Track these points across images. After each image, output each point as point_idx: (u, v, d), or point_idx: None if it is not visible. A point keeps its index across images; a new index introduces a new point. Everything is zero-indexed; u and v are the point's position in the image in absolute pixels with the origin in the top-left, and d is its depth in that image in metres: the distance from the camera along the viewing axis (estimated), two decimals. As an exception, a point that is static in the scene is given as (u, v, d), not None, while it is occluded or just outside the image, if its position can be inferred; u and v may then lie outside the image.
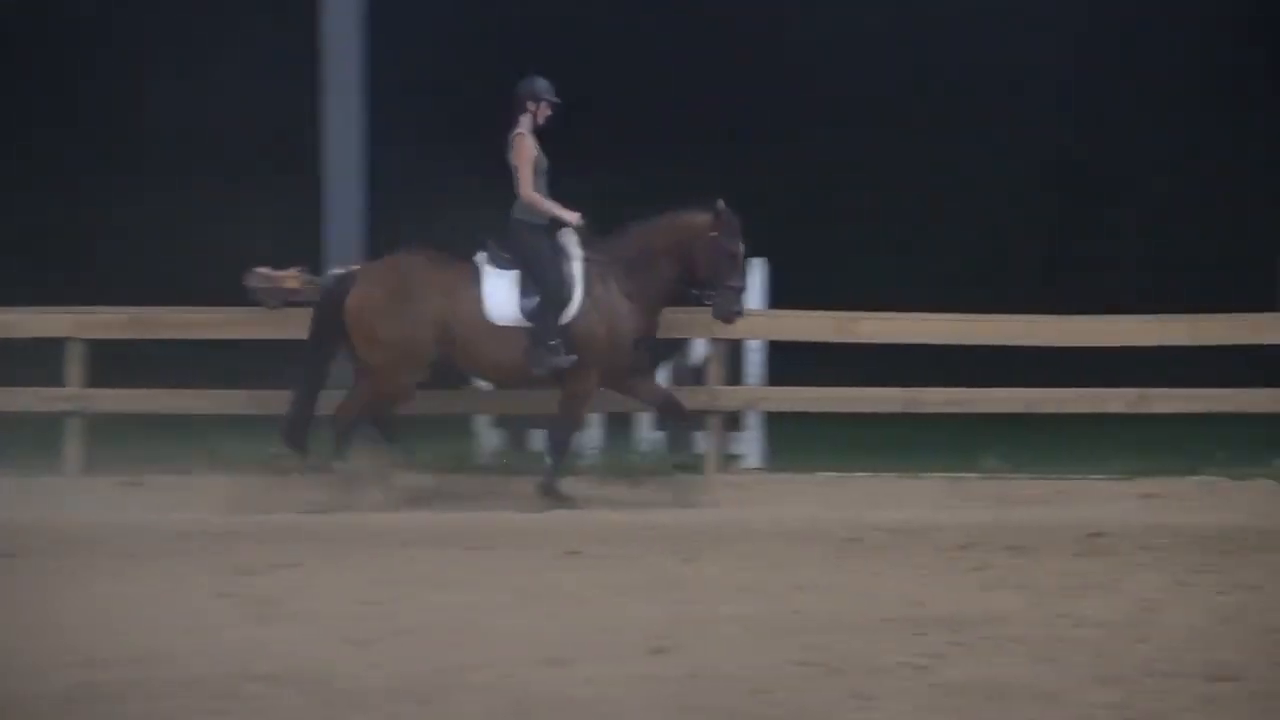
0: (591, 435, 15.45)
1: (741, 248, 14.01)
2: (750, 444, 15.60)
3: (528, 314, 13.70)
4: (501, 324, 13.74)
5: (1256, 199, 24.40)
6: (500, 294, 13.76)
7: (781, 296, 15.69)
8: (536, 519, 13.19)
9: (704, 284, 14.00)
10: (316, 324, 14.00)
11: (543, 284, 13.69)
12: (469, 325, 13.77)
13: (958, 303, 15.77)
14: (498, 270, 13.84)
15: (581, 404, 14.13)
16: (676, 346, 15.62)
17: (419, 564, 11.19)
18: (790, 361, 15.39)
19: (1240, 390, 15.15)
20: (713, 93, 25.83)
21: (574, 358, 13.66)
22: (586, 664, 8.40)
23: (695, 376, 15.47)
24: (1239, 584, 10.38)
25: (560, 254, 13.87)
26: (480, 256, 13.98)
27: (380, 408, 14.00)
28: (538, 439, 15.34)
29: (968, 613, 9.54)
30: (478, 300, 13.77)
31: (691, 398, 15.17)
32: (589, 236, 13.96)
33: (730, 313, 14.03)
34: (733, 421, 15.33)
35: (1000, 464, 14.97)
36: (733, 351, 15.38)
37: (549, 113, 13.94)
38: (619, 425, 15.58)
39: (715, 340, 15.14)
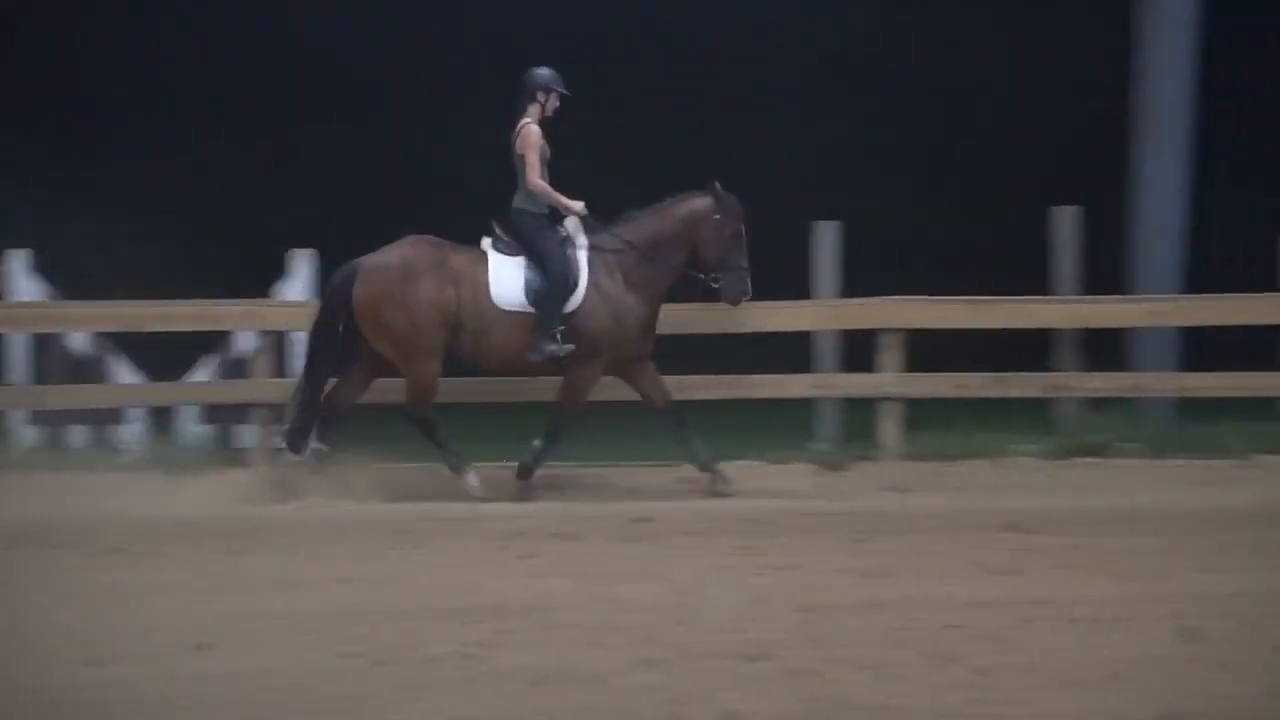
0: (134, 429, 15.26)
1: (743, 227, 14.01)
2: (298, 437, 15.53)
3: (533, 301, 13.66)
4: (508, 310, 13.69)
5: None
6: (507, 280, 13.71)
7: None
8: (74, 517, 12.69)
9: (711, 267, 14.00)
10: (323, 315, 13.87)
11: (549, 272, 13.66)
12: (477, 311, 13.69)
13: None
14: (504, 257, 13.80)
15: (582, 393, 14.00)
16: (220, 340, 15.53)
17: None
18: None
19: (775, 376, 15.57)
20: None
21: (571, 347, 13.59)
22: (125, 664, 8.28)
23: (238, 369, 15.37)
24: (775, 565, 10.57)
25: (567, 242, 13.84)
26: (486, 243, 13.92)
27: (416, 407, 13.84)
28: (76, 435, 15.11)
29: (516, 600, 9.59)
30: (485, 286, 13.70)
31: (236, 392, 15.05)
32: (593, 225, 13.92)
33: (739, 294, 14.04)
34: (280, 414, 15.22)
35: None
36: (278, 344, 15.29)
37: (557, 103, 13.96)
38: (163, 418, 15.40)
39: (261, 333, 15.10)
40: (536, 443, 13.97)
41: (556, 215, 13.88)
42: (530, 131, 13.79)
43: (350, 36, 26.35)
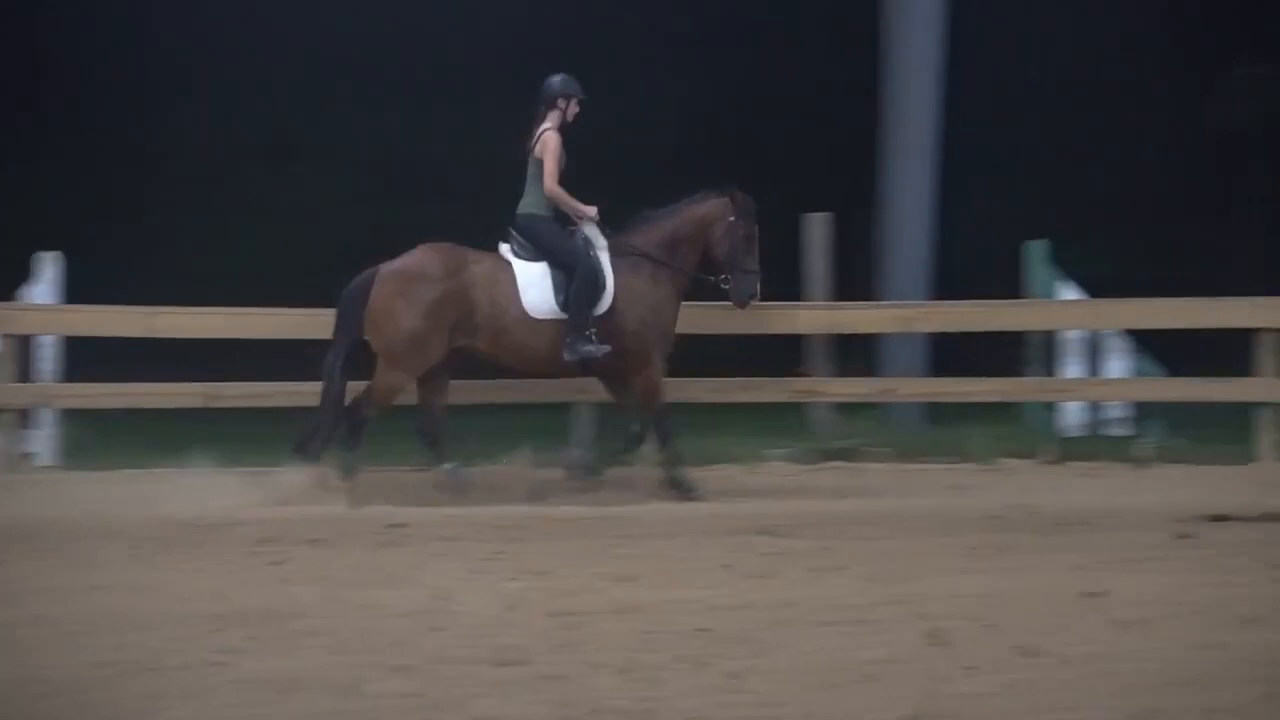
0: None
1: (756, 230, 14.06)
2: (43, 442, 15.28)
3: (563, 304, 13.68)
4: (535, 315, 13.74)
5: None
6: (532, 285, 13.74)
7: (82, 290, 15.51)
8: None
9: (722, 268, 14.06)
10: (341, 322, 13.85)
11: (577, 274, 13.70)
12: (501, 316, 13.74)
13: (261, 298, 15.76)
14: (523, 262, 13.81)
15: (657, 393, 14.01)
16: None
17: None
18: (105, 357, 15.17)
19: (532, 382, 15.61)
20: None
21: (607, 348, 13.65)
22: None
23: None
24: (528, 570, 10.54)
25: (587, 244, 13.86)
26: (504, 249, 13.92)
27: (369, 405, 13.82)
28: None
29: (267, 607, 9.44)
30: (512, 292, 13.72)
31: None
32: (606, 229, 13.95)
33: (748, 296, 14.09)
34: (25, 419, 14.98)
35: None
36: (24, 349, 15.03)
37: (577, 109, 13.99)
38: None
39: (6, 336, 14.83)
40: (661, 455, 14.06)
41: (566, 218, 13.98)
42: (550, 138, 13.87)
43: (95, 37, 26.01)
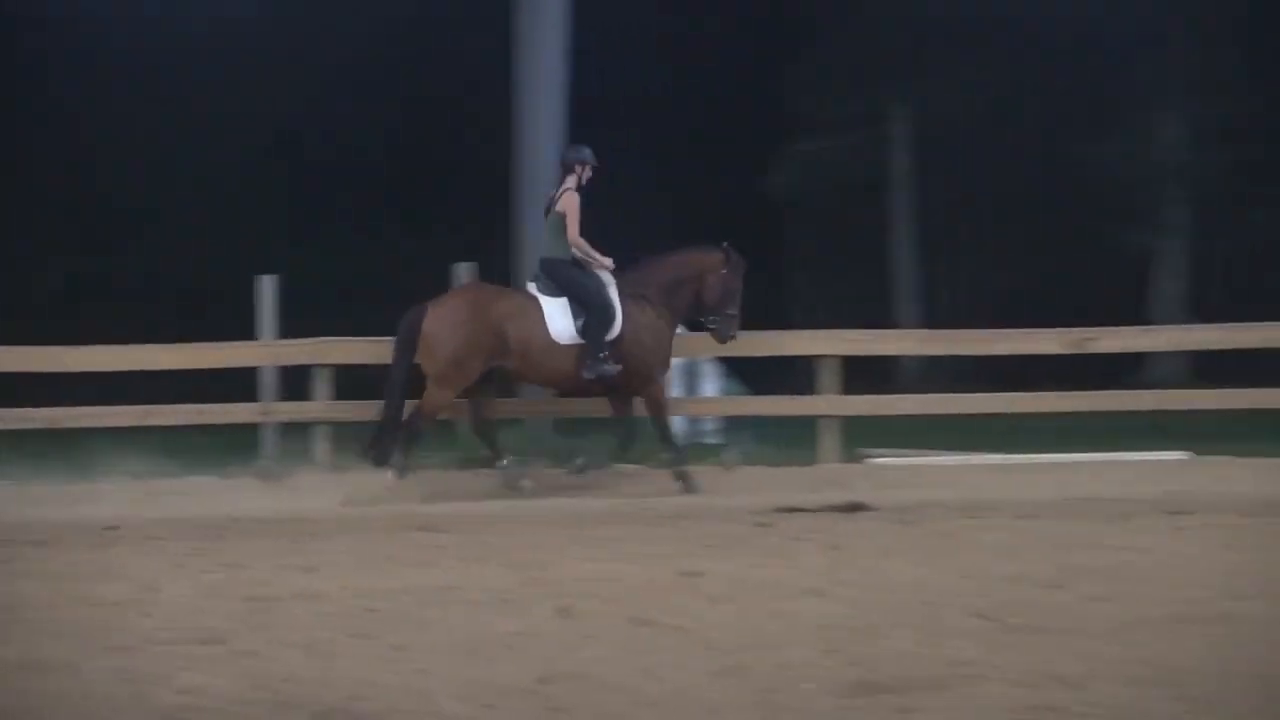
0: None
1: (742, 281, 14.32)
2: None
3: (580, 332, 13.88)
4: (560, 341, 13.93)
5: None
6: (557, 316, 13.94)
7: None
8: None
9: (709, 311, 14.35)
10: (399, 349, 13.94)
11: (592, 307, 13.90)
12: (532, 342, 13.93)
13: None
14: (549, 297, 13.98)
15: (663, 404, 14.38)
16: None
17: None
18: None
19: (224, 405, 15.52)
20: None
21: (619, 366, 13.89)
22: None
23: None
24: (224, 563, 10.45)
25: (599, 281, 14.01)
26: (531, 286, 14.13)
27: (421, 417, 14.04)
28: None
29: (-5, 601, 9.26)
30: (540, 322, 13.91)
31: None
32: (616, 270, 14.15)
33: (729, 335, 14.41)
34: None
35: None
36: None
37: (590, 174, 14.18)
38: None
39: None
40: (669, 455, 14.34)
41: (580, 262, 14.15)
42: (571, 197, 14.07)
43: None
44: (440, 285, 16.00)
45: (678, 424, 16.06)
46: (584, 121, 19.10)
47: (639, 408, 14.42)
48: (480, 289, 14.36)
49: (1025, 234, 25.89)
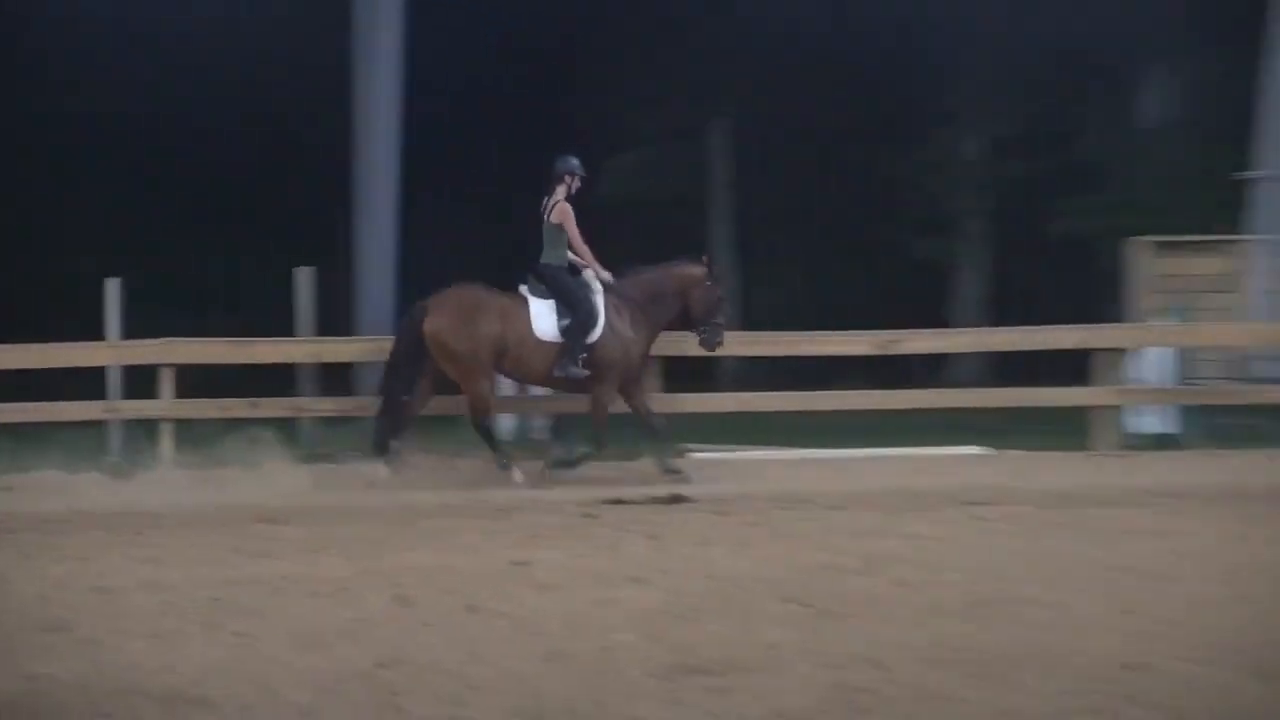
0: None
1: (724, 293, 14.62)
2: None
3: (562, 332, 13.98)
4: (545, 339, 14.02)
5: None
6: (545, 318, 14.05)
7: None
8: None
9: (696, 320, 14.47)
10: (398, 345, 14.13)
11: (576, 311, 14.01)
12: (523, 340, 14.03)
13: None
14: (538, 299, 14.08)
15: (606, 404, 14.34)
16: None
17: None
18: None
19: (78, 403, 15.31)
20: None
21: (587, 372, 14.03)
22: None
23: None
24: (71, 556, 10.33)
25: (588, 289, 14.12)
26: (523, 288, 14.16)
27: (477, 416, 14.18)
28: None
29: None
30: (528, 321, 14.03)
31: None
32: (607, 280, 14.20)
33: (715, 343, 14.56)
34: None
35: None
36: None
37: (579, 184, 14.25)
38: None
39: None
40: (582, 448, 14.47)
41: (573, 266, 14.22)
42: (564, 208, 14.15)
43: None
44: (282, 290, 15.95)
45: (506, 423, 16.09)
46: (420, 132, 19.10)
47: (639, 403, 14.56)
48: (475, 289, 14.30)
49: (837, 242, 26.19)
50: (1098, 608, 8.43)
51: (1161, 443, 15.86)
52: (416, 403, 14.42)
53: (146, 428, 15.39)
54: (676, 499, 12.81)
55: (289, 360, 16.10)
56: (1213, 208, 19.99)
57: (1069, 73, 24.40)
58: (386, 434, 14.19)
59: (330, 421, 16.16)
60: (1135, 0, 22.28)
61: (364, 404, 16.20)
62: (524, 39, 24.73)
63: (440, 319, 14.08)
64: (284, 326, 16.44)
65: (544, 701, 6.87)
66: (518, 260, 24.55)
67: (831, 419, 15.82)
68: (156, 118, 24.67)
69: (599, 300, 14.23)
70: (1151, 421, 16.14)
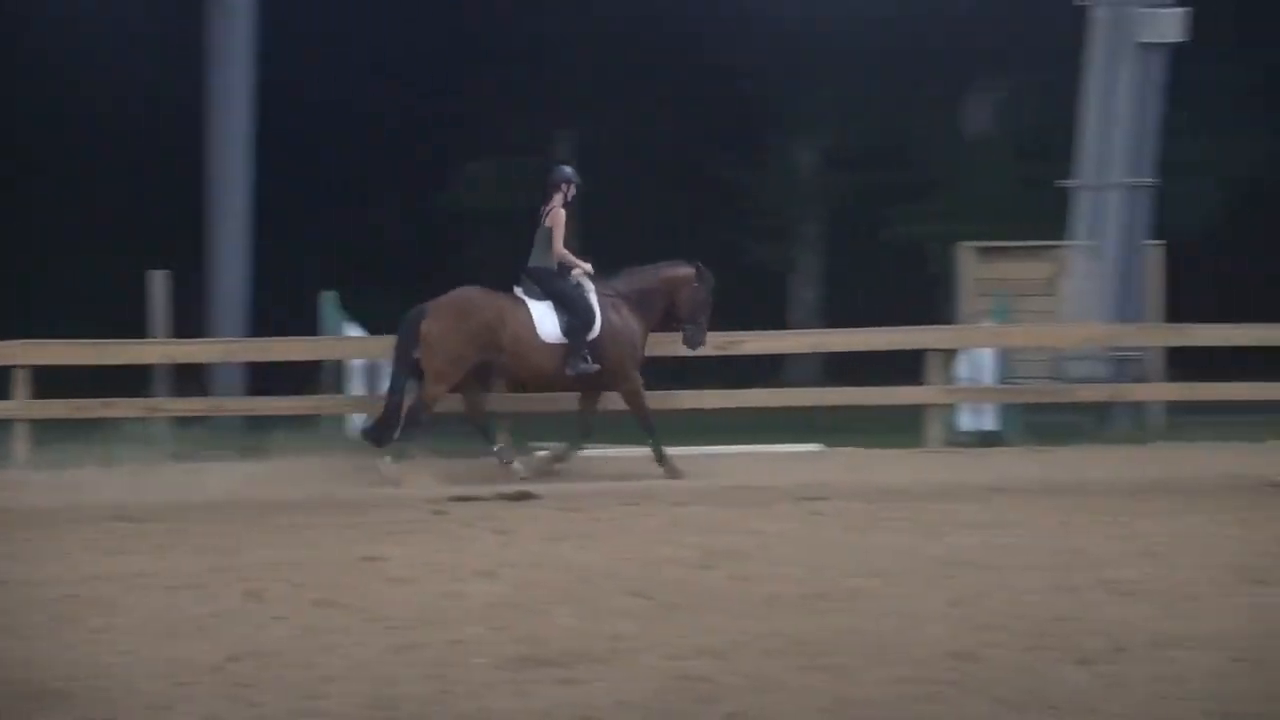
0: None
1: (710, 294, 14.62)
2: None
3: (564, 332, 14.02)
4: (547, 340, 14.05)
5: None
6: (545, 319, 14.09)
7: None
8: None
9: (682, 319, 14.59)
10: (400, 346, 14.03)
11: (574, 311, 14.08)
12: (520, 341, 14.04)
13: None
14: (534, 300, 14.12)
15: (638, 395, 14.47)
16: None
17: None
18: None
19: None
20: None
21: (597, 366, 14.08)
22: None
23: None
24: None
25: (581, 288, 14.18)
26: (518, 290, 14.20)
27: (421, 409, 14.06)
28: None
29: None
30: (529, 323, 14.06)
31: None
32: (596, 277, 14.32)
33: (699, 342, 14.72)
34: None
35: None
36: None
37: (575, 192, 14.39)
38: None
39: None
40: (650, 441, 14.50)
41: (564, 268, 14.31)
42: (559, 213, 14.25)
43: None
44: (135, 293, 15.77)
45: (360, 422, 15.97)
46: (275, 138, 18.89)
47: (604, 403, 14.67)
48: (474, 292, 14.32)
49: (681, 249, 26.31)
50: (928, 599, 8.56)
51: (986, 440, 16.13)
52: (482, 401, 14.56)
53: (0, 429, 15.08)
54: (525, 496, 12.81)
55: (142, 361, 15.88)
56: (1036, 215, 20.37)
57: (900, 86, 24.72)
58: (386, 432, 14.14)
59: (184, 421, 15.93)
60: (962, 18, 22.63)
61: (218, 404, 16.05)
62: (380, 49, 24.53)
63: (437, 321, 14.08)
64: (140, 329, 16.27)
65: (394, 692, 6.84)
66: (374, 265, 24.50)
67: (676, 417, 15.89)
68: (13, 118, 24.15)
69: (593, 298, 14.35)
70: (977, 419, 16.41)
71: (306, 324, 16.53)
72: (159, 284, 16.28)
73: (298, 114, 23.02)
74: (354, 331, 16.26)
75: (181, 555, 10.15)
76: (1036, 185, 21.21)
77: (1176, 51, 17.45)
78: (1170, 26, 17.19)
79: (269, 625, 8.09)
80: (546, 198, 14.51)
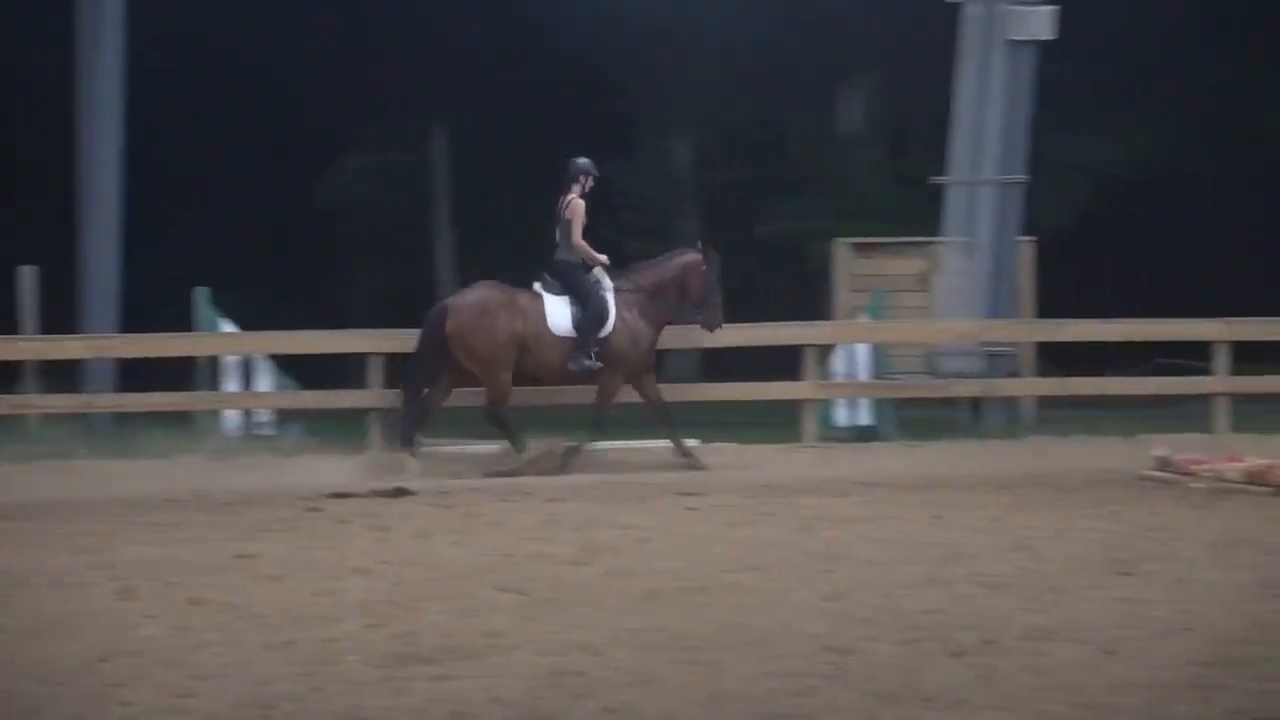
0: None
1: (718, 276, 14.73)
2: None
3: (576, 327, 14.16)
4: (560, 334, 14.22)
5: None
6: (559, 314, 14.25)
7: None
8: None
9: (695, 301, 14.68)
10: (422, 342, 14.28)
11: (589, 307, 14.25)
12: (537, 336, 14.20)
13: None
14: (553, 295, 14.29)
15: (612, 394, 14.61)
16: None
17: None
18: None
19: None
20: None
21: (600, 364, 14.25)
22: None
23: None
24: None
25: (599, 285, 14.39)
26: (538, 285, 14.40)
27: (495, 407, 14.35)
28: None
29: None
30: (543, 317, 14.22)
31: None
32: (614, 272, 14.53)
33: (715, 324, 14.85)
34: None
35: None
36: None
37: (592, 184, 14.45)
38: None
39: None
40: (584, 436, 14.54)
41: (587, 264, 14.46)
42: (577, 204, 14.38)
43: None
44: (4, 290, 15.55)
45: (233, 419, 15.82)
46: (146, 135, 18.62)
47: (649, 391, 14.85)
48: (493, 287, 14.53)
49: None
50: (803, 593, 8.62)
51: (862, 435, 16.26)
52: (437, 397, 14.59)
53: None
54: (400, 492, 12.74)
55: (11, 358, 15.61)
56: (909, 211, 20.58)
57: (774, 83, 24.86)
58: (411, 428, 14.38)
59: (55, 419, 15.68)
60: (835, 15, 22.80)
61: (89, 401, 15.83)
62: (254, 43, 24.25)
63: (461, 319, 14.23)
64: (9, 325, 16.03)
65: (268, 691, 6.77)
66: (249, 260, 24.25)
67: (553, 414, 15.87)
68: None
69: (610, 296, 14.47)
70: (852, 415, 16.53)
71: (181, 320, 16.34)
72: (28, 280, 16.03)
73: (170, 109, 22.76)
74: (227, 328, 16.10)
75: (52, 554, 10.01)
76: (910, 181, 21.44)
77: (1046, 50, 17.68)
78: (1040, 25, 17.43)
79: (140, 624, 7.98)
80: (565, 189, 14.59)
